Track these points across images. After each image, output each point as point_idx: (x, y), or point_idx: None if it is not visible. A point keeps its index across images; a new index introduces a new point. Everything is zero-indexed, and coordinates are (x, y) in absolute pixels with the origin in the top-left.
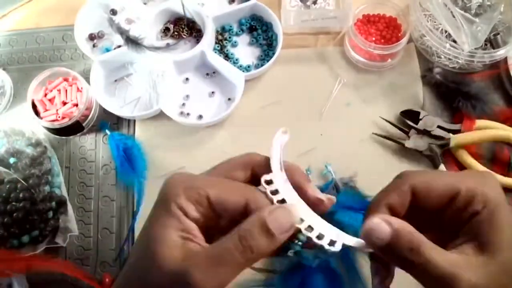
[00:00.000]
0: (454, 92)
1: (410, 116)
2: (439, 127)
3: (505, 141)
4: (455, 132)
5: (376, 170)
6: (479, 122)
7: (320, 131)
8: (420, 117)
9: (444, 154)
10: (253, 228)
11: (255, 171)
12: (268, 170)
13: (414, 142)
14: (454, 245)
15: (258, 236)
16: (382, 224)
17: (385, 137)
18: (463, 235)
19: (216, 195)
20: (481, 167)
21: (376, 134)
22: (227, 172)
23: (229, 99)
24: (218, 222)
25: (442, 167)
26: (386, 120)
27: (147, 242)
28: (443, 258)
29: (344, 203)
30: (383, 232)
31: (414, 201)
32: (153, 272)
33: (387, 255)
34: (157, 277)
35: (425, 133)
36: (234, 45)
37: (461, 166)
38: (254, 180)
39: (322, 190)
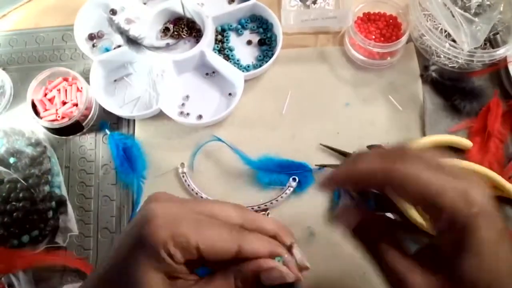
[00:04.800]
0: (451, 89)
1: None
2: None
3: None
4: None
5: None
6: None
7: (320, 131)
8: None
9: None
10: (247, 277)
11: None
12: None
13: None
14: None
15: (249, 285)
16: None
17: (331, 148)
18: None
19: (206, 245)
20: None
21: (322, 145)
22: (220, 210)
23: (229, 95)
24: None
25: None
26: (327, 147)
27: (130, 284)
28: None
29: (263, 166)
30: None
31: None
32: None
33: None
34: None
35: None
36: (234, 45)
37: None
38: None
39: (335, 198)
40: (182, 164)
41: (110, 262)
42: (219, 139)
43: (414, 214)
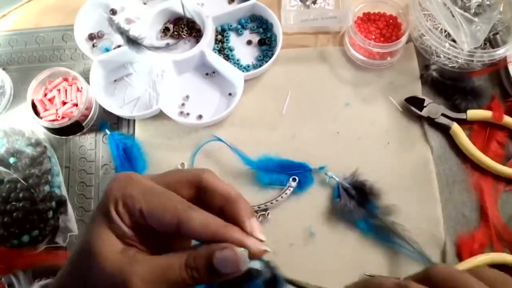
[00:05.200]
0: (452, 89)
1: (414, 103)
2: (443, 115)
3: None
4: (459, 120)
5: (374, 168)
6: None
7: (320, 131)
8: (425, 105)
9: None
10: (200, 262)
11: (202, 191)
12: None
13: None
14: None
15: (203, 271)
16: None
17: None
18: None
19: (149, 209)
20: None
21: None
22: (173, 183)
23: (229, 95)
24: (154, 232)
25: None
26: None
27: (89, 241)
28: None
29: (263, 166)
30: None
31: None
32: (94, 273)
33: None
34: (97, 278)
35: (429, 120)
36: (234, 45)
37: (465, 157)
38: (198, 198)
39: (335, 198)
40: (182, 164)
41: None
42: (219, 139)
43: None
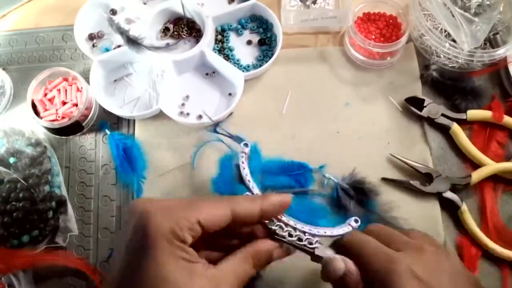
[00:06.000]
0: (452, 89)
1: (414, 103)
2: (443, 115)
3: None
4: (459, 120)
5: (374, 168)
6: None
7: (320, 130)
8: (425, 105)
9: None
10: (263, 255)
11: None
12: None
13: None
14: None
15: (264, 261)
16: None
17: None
18: None
19: (205, 216)
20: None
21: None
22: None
23: (229, 95)
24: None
25: (464, 207)
26: (399, 159)
27: (158, 280)
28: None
29: (267, 169)
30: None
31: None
32: None
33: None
34: None
35: (429, 120)
36: (234, 45)
37: (460, 151)
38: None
39: (334, 198)
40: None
41: (120, 274)
42: (220, 140)
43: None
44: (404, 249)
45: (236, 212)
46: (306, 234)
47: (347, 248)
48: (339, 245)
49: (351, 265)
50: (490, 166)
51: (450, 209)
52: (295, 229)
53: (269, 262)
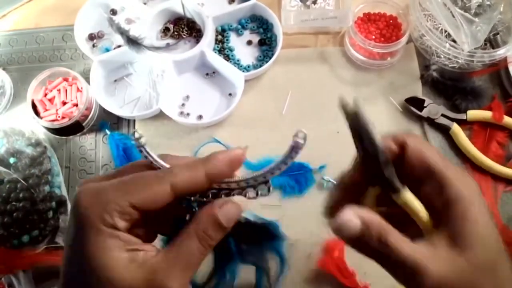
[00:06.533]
0: (452, 89)
1: (414, 103)
2: (443, 115)
3: None
4: (459, 121)
5: None
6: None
7: (320, 130)
8: (425, 105)
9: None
10: (208, 226)
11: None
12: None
13: None
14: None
15: (213, 232)
16: (352, 220)
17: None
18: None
19: (138, 197)
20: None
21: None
22: (130, 168)
23: (229, 95)
24: (145, 219)
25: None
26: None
27: (92, 271)
28: (411, 249)
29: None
30: (354, 227)
31: (401, 159)
32: None
33: (357, 247)
34: None
35: (429, 121)
36: (234, 45)
37: (465, 157)
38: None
39: None
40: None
41: (67, 261)
42: (218, 141)
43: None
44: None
45: (176, 186)
46: (250, 180)
47: (411, 163)
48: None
49: (366, 214)
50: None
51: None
52: (237, 182)
53: (220, 229)
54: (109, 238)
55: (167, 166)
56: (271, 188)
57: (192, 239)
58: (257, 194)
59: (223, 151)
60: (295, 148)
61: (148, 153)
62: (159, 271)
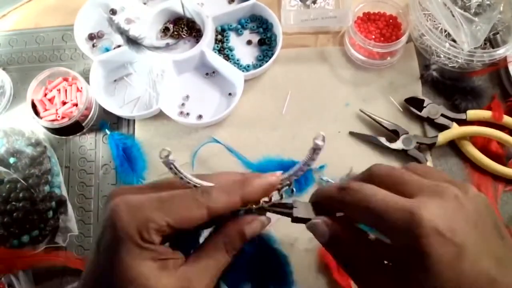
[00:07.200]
0: (452, 89)
1: (414, 103)
2: (443, 115)
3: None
4: (459, 120)
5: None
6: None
7: (320, 130)
8: (424, 105)
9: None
10: (236, 240)
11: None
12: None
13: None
14: None
15: (238, 243)
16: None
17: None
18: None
19: (175, 217)
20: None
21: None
22: (166, 184)
23: (229, 95)
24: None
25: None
26: (369, 116)
27: (130, 281)
28: (399, 198)
29: (263, 168)
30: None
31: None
32: None
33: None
34: None
35: (429, 121)
36: (234, 45)
37: (465, 157)
38: None
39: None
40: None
41: (93, 269)
42: (218, 141)
43: None
44: (419, 193)
45: (213, 209)
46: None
47: (350, 208)
48: (338, 200)
49: (335, 226)
50: (455, 129)
51: None
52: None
53: (244, 241)
54: (146, 251)
55: (198, 182)
56: (294, 190)
57: (221, 251)
58: (281, 197)
59: (258, 176)
60: (316, 150)
61: (178, 170)
62: (192, 279)
